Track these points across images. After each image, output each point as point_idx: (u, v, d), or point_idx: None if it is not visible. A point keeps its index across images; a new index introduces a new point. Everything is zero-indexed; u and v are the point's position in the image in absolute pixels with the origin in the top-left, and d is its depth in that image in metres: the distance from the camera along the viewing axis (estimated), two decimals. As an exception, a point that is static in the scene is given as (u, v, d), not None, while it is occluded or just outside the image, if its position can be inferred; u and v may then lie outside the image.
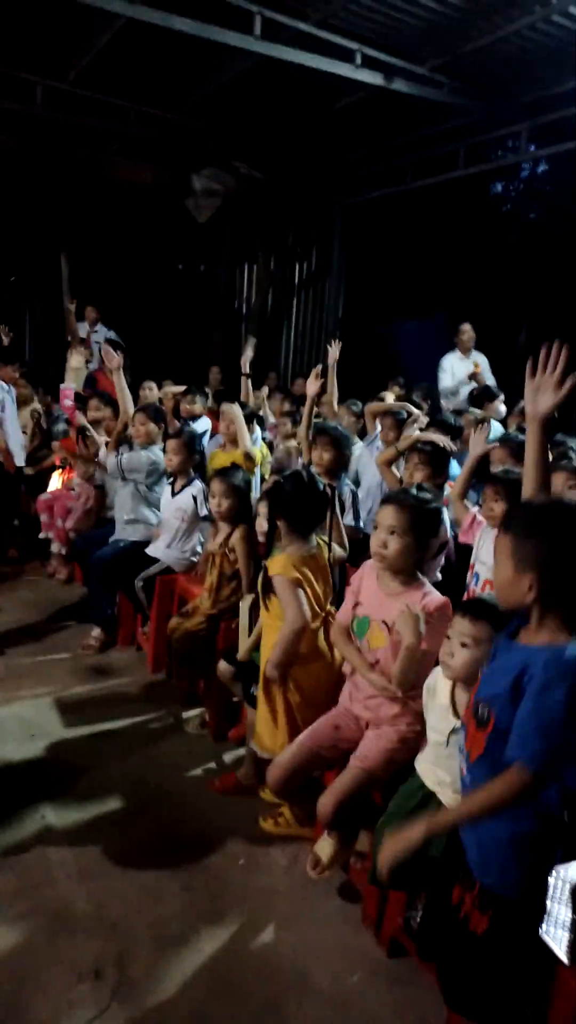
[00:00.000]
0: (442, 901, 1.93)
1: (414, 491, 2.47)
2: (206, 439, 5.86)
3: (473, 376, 7.02)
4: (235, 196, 9.74)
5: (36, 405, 6.67)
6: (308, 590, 2.73)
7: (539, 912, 1.78)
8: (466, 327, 7.32)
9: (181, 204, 9.72)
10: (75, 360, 6.80)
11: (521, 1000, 1.78)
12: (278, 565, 2.74)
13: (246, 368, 4.79)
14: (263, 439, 5.94)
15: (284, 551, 2.80)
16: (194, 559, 4.17)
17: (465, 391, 7.00)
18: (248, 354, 4.77)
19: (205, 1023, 2.10)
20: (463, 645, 2.04)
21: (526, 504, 1.80)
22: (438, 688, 2.15)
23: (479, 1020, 1.82)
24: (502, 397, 6.29)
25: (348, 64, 6.41)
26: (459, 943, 1.82)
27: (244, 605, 3.18)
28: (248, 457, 4.55)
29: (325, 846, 2.52)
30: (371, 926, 2.42)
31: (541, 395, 1.91)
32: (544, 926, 1.81)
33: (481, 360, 7.30)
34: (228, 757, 3.40)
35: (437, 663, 2.18)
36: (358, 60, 6.41)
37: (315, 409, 5.29)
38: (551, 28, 5.87)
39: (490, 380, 7.06)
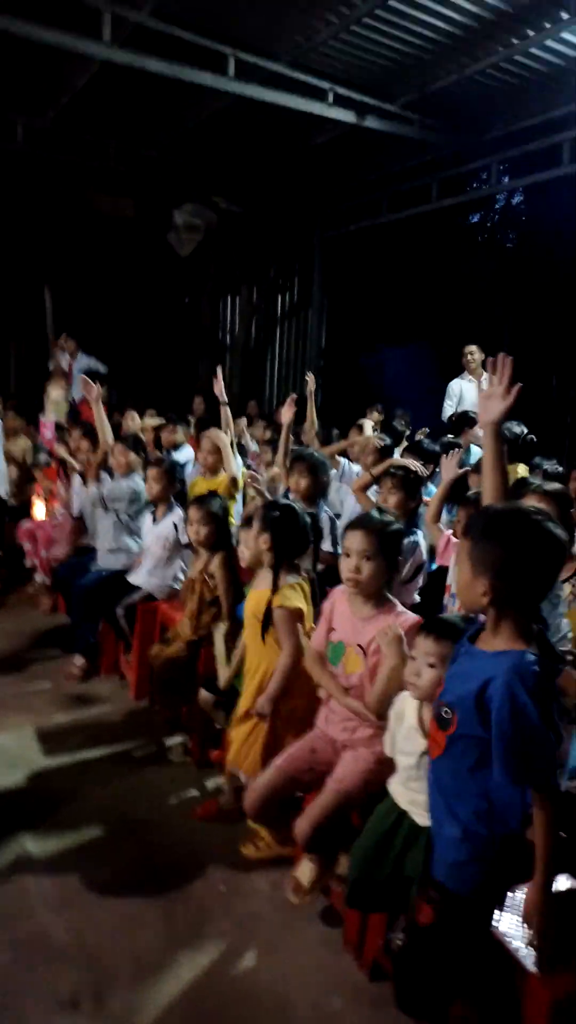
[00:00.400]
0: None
1: (376, 514, 2.52)
2: (188, 468, 5.93)
3: None
4: (216, 230, 9.94)
5: (26, 439, 6.71)
6: (304, 621, 2.77)
7: (486, 911, 1.80)
8: (472, 348, 6.97)
9: (163, 238, 9.90)
10: (55, 392, 6.86)
11: (466, 996, 1.79)
12: (281, 596, 2.76)
13: (223, 397, 4.87)
14: (245, 466, 6.00)
15: (283, 581, 2.82)
16: (176, 586, 4.19)
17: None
18: (219, 384, 4.85)
19: (184, 1052, 2.09)
20: (430, 665, 2.08)
21: (485, 509, 1.85)
22: (405, 711, 2.19)
23: (422, 1019, 1.83)
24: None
25: (321, 102, 6.61)
26: (408, 939, 1.84)
27: (219, 634, 3.20)
28: (234, 482, 4.60)
29: (305, 870, 2.53)
30: (352, 950, 2.42)
31: (491, 403, 2.05)
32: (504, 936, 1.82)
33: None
34: (211, 784, 3.39)
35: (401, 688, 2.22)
36: (330, 98, 6.61)
37: (292, 437, 5.38)
38: (514, 67, 6.10)
39: None
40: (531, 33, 5.61)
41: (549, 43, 5.66)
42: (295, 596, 2.78)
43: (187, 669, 3.51)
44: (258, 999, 2.26)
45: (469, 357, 6.89)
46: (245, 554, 3.30)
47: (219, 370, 5.06)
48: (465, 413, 6.34)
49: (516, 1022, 1.77)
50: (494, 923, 1.84)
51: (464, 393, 6.95)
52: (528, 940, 1.71)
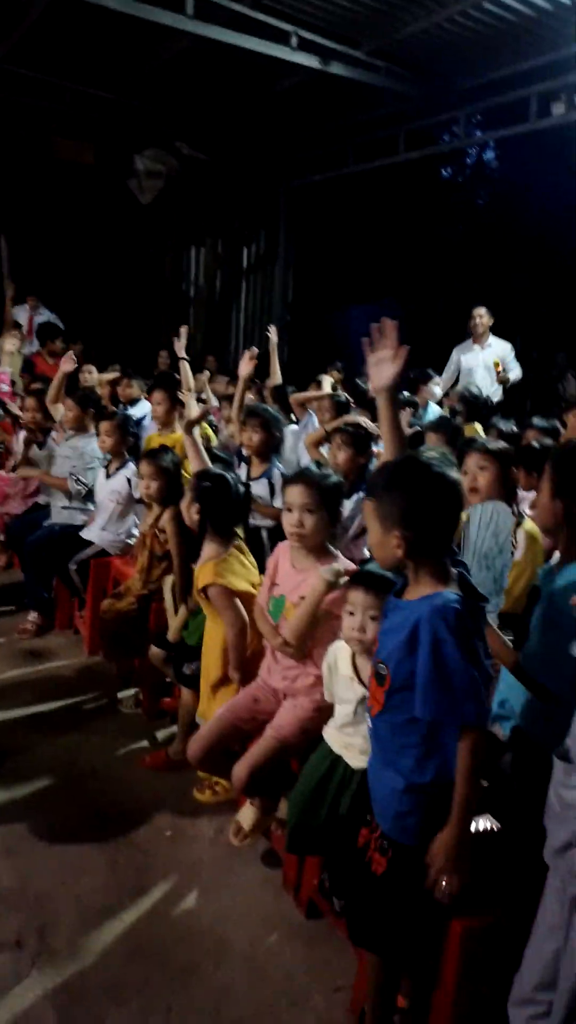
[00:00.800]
0: (348, 843, 2.01)
1: (314, 468, 2.55)
2: (147, 422, 5.87)
3: (497, 375, 6.38)
4: (179, 177, 9.68)
5: None
6: (239, 588, 2.80)
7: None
8: (480, 311, 6.50)
9: (124, 185, 9.62)
10: (9, 344, 6.70)
11: (416, 935, 1.87)
12: (207, 575, 2.78)
13: (181, 352, 4.82)
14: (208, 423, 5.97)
15: (214, 554, 2.85)
16: (129, 541, 4.19)
17: (483, 382, 6.38)
18: (180, 342, 4.81)
19: (122, 988, 2.16)
20: (373, 619, 2.12)
21: (382, 467, 1.90)
22: (339, 662, 2.23)
23: (378, 952, 1.91)
24: (437, 379, 6.39)
25: (284, 46, 6.42)
26: (361, 883, 1.91)
27: (167, 587, 3.22)
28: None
29: (247, 814, 2.59)
30: (290, 890, 2.51)
31: (382, 368, 2.06)
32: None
33: (500, 349, 6.53)
34: (161, 734, 3.45)
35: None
36: (294, 42, 6.43)
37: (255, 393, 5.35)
38: (483, 16, 5.96)
39: (514, 372, 6.47)
40: (499, -21, 5.49)
41: (517, -9, 5.54)
42: (227, 571, 2.80)
43: (138, 623, 3.54)
44: (198, 938, 2.34)
45: (477, 320, 6.51)
46: (193, 514, 3.31)
47: (182, 329, 5.01)
48: (422, 370, 6.33)
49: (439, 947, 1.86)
50: None
51: (463, 363, 6.67)
52: (431, 881, 1.75)
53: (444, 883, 1.71)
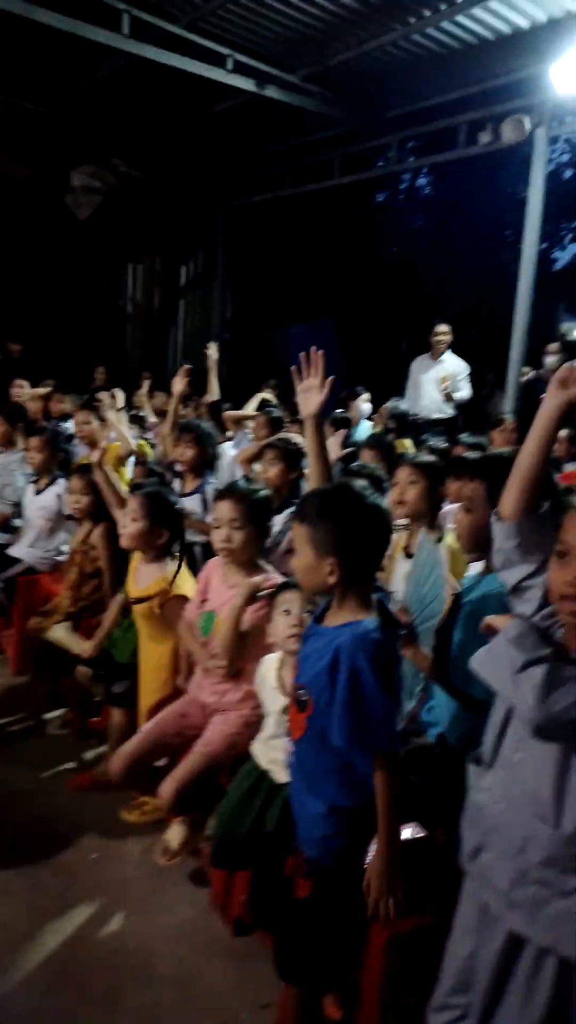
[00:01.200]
0: (273, 870, 2.01)
1: (243, 483, 2.56)
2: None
3: (444, 390, 6.46)
4: (117, 194, 9.65)
5: None
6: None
7: (356, 881, 1.87)
8: (441, 328, 6.65)
9: (60, 201, 9.54)
10: None
11: (341, 963, 1.87)
12: (164, 587, 2.80)
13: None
14: (144, 439, 5.92)
15: (152, 572, 2.88)
16: (59, 559, 4.11)
17: (429, 397, 6.54)
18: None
19: (44, 1016, 2.10)
20: (286, 612, 2.16)
21: (314, 492, 1.91)
22: (267, 674, 2.25)
23: (304, 986, 1.91)
24: (366, 396, 6.50)
25: (220, 69, 6.50)
26: (286, 910, 1.90)
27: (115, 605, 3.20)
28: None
29: (174, 833, 2.56)
30: (218, 908, 2.48)
31: (309, 396, 2.15)
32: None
33: (452, 367, 6.63)
34: (89, 755, 3.37)
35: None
36: (230, 65, 6.51)
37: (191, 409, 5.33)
38: (412, 46, 6.15)
39: (463, 391, 6.57)
40: (428, 13, 5.68)
41: (445, 25, 5.74)
42: (184, 583, 2.82)
43: (67, 641, 3.47)
44: (123, 960, 2.30)
45: (441, 337, 6.62)
46: (129, 528, 3.27)
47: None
48: (352, 388, 6.41)
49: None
50: None
51: (416, 375, 6.75)
52: (372, 907, 1.75)
53: (382, 908, 1.73)
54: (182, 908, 2.51)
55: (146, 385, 6.87)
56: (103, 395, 4.29)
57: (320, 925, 1.83)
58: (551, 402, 1.56)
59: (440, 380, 6.50)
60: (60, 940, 2.35)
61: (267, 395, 5.94)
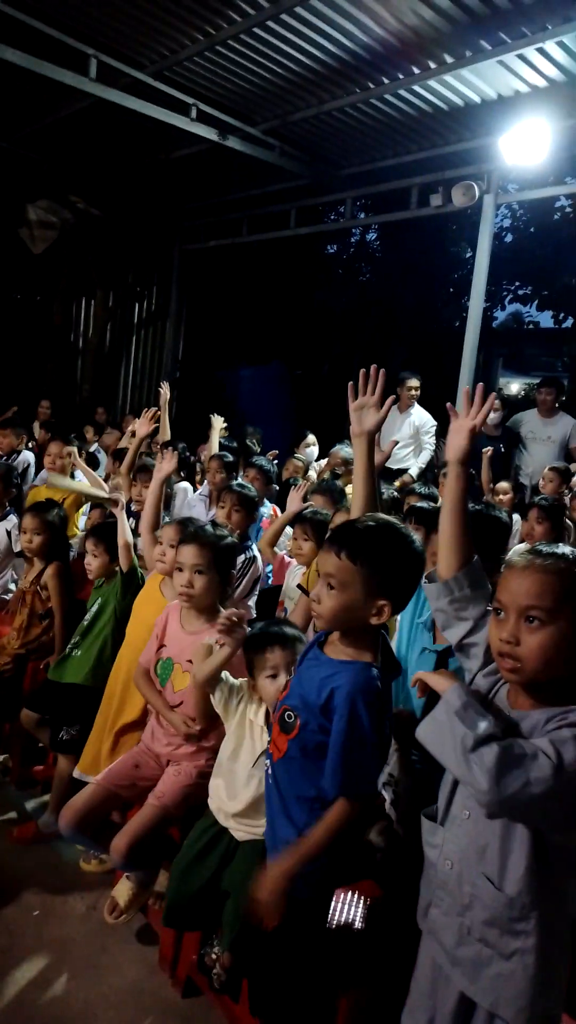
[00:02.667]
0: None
1: (210, 528, 2.55)
2: (30, 474, 5.70)
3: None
4: (73, 230, 9.66)
5: None
6: None
7: (322, 912, 1.85)
8: (411, 382, 6.57)
9: (15, 233, 9.49)
10: None
11: (311, 998, 1.83)
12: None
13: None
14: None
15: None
16: (6, 597, 4.01)
17: (401, 452, 6.44)
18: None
19: None
20: (272, 676, 2.12)
21: (366, 530, 1.76)
22: (256, 719, 2.21)
23: (274, 1021, 1.86)
24: (312, 439, 6.59)
25: (183, 116, 6.63)
26: (256, 944, 1.87)
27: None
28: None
29: (123, 889, 2.48)
30: (167, 967, 2.41)
31: (365, 414, 2.09)
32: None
33: (419, 419, 6.54)
34: (31, 805, 3.26)
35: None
36: (193, 114, 6.66)
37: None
38: (370, 110, 6.42)
39: (427, 448, 6.51)
40: (385, 81, 5.95)
41: (401, 93, 6.01)
42: None
43: (11, 685, 3.37)
44: (66, 1026, 2.20)
45: (412, 392, 6.56)
46: (92, 564, 3.23)
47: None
48: (301, 431, 6.48)
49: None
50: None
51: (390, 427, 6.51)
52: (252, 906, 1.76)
53: (259, 910, 1.73)
54: (129, 968, 2.42)
55: (96, 422, 6.79)
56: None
57: (285, 957, 1.80)
58: (449, 468, 1.71)
59: (408, 432, 6.54)
60: (1, 1006, 2.23)
61: (222, 425, 5.96)
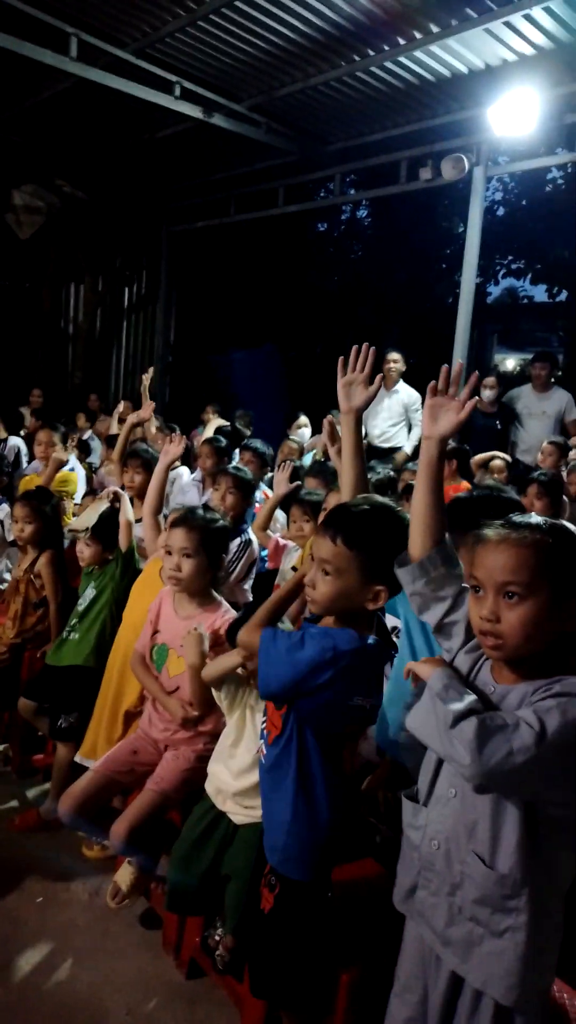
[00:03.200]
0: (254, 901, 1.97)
1: (201, 512, 2.53)
2: (24, 462, 5.67)
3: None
4: (59, 214, 9.56)
5: None
6: None
7: (318, 894, 1.85)
8: (392, 356, 6.53)
9: (1, 219, 9.39)
10: None
11: (312, 978, 1.84)
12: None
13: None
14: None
15: None
16: (1, 586, 3.99)
17: (381, 428, 6.51)
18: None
19: (-13, 1075, 2.00)
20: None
21: (360, 514, 1.74)
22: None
23: (277, 1003, 1.88)
24: (304, 421, 6.55)
25: (167, 95, 6.52)
26: (255, 925, 1.88)
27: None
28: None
29: (125, 874, 2.48)
30: (171, 950, 2.42)
31: (353, 391, 2.01)
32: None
33: (407, 398, 6.52)
34: (32, 793, 3.26)
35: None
36: (177, 92, 6.55)
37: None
38: (356, 83, 6.31)
39: (416, 424, 6.43)
40: (371, 53, 5.84)
41: (387, 65, 5.91)
42: None
43: (8, 674, 3.36)
44: (71, 1010, 2.21)
45: (391, 365, 6.52)
46: (85, 552, 3.21)
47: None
48: (293, 413, 6.45)
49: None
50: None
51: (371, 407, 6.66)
52: None
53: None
54: (133, 952, 2.43)
55: (90, 409, 6.76)
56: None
57: (284, 939, 1.81)
58: (426, 444, 1.64)
59: (397, 410, 6.49)
60: (4, 990, 2.24)
61: (220, 421, 5.92)
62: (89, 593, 3.16)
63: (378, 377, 2.06)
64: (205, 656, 2.27)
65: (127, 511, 3.09)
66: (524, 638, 1.39)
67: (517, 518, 1.46)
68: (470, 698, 1.40)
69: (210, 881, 2.14)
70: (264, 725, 1.87)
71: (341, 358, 2.04)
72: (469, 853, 1.45)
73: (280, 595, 1.87)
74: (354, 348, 2.05)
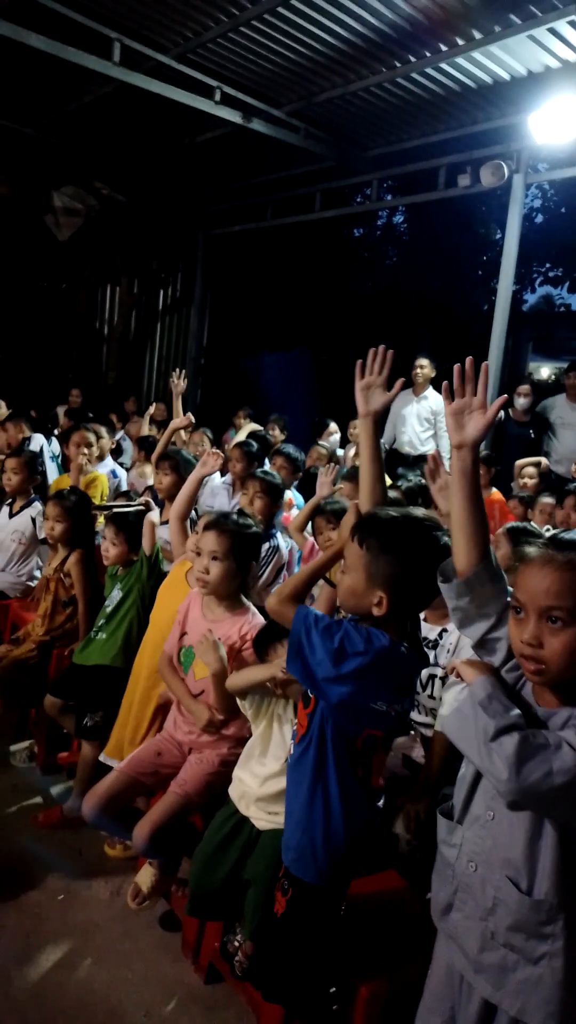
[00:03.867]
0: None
1: (235, 517, 2.53)
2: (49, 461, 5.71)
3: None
4: (98, 217, 9.67)
5: None
6: None
7: (337, 897, 1.84)
8: (421, 362, 6.52)
9: (40, 220, 9.52)
10: None
11: (324, 983, 1.83)
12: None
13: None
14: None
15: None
16: (31, 584, 4.04)
17: (410, 434, 6.52)
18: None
19: (6, 1070, 2.01)
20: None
21: (382, 518, 1.73)
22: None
23: (287, 1008, 1.86)
24: (334, 427, 6.53)
25: (207, 100, 6.56)
26: (267, 928, 1.88)
27: None
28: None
29: (146, 875, 2.49)
30: (189, 954, 2.41)
31: (371, 394, 1.98)
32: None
33: (436, 404, 6.43)
34: (56, 790, 3.28)
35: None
36: (217, 97, 6.59)
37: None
38: (396, 90, 6.30)
39: (441, 424, 6.39)
40: (412, 59, 5.82)
41: (429, 71, 5.89)
42: None
43: (36, 671, 3.39)
44: (89, 1010, 2.21)
45: (418, 371, 6.53)
46: (110, 552, 3.23)
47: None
48: (320, 419, 6.43)
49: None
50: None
51: (396, 409, 6.54)
52: None
53: None
54: (152, 954, 2.44)
55: (128, 410, 6.82)
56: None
57: (295, 943, 1.80)
58: (457, 454, 1.57)
59: (425, 416, 6.45)
60: (24, 987, 2.26)
61: (254, 425, 5.92)
62: (116, 595, 3.18)
63: (399, 381, 2.02)
64: (223, 660, 2.27)
65: (153, 514, 3.11)
66: (568, 664, 1.34)
67: (565, 535, 1.42)
68: (514, 712, 1.36)
69: (231, 886, 2.13)
70: (295, 726, 1.86)
71: (359, 361, 2.00)
72: (503, 878, 1.42)
73: (314, 566, 1.85)
74: (371, 351, 2.01)
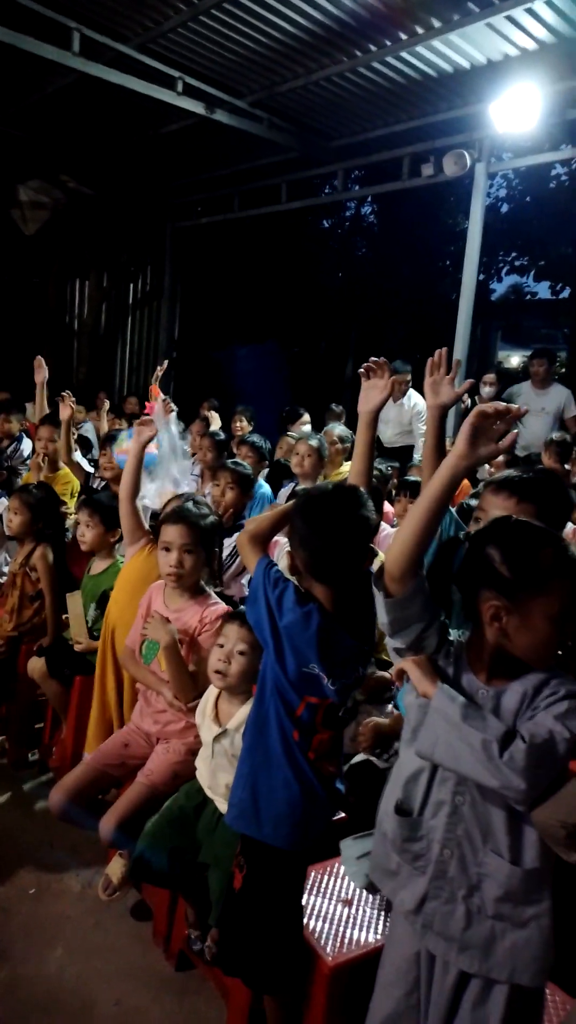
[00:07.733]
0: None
1: (191, 507, 2.54)
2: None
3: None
4: (65, 210, 9.57)
5: None
6: None
7: (294, 869, 1.87)
8: (402, 376, 6.34)
9: (7, 215, 9.40)
10: None
11: (283, 957, 1.85)
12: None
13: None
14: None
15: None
16: (1, 580, 4.00)
17: (397, 439, 6.53)
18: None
19: (-25, 1064, 2.01)
20: (241, 653, 2.12)
21: (316, 492, 1.86)
22: (206, 703, 2.22)
23: (248, 981, 1.89)
24: (306, 418, 6.55)
25: (170, 91, 6.51)
26: (228, 905, 1.93)
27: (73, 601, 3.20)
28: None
29: (116, 866, 2.48)
30: (160, 942, 2.43)
31: (371, 393, 2.23)
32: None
33: (419, 406, 6.35)
34: (28, 786, 3.28)
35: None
36: (180, 88, 6.54)
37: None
38: (358, 79, 6.29)
39: (419, 428, 6.35)
40: (373, 48, 5.82)
41: (390, 60, 5.89)
42: None
43: (6, 667, 3.38)
44: (60, 1003, 2.22)
45: (401, 380, 6.33)
46: (86, 535, 3.21)
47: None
48: (293, 408, 6.44)
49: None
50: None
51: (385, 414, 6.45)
52: None
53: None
54: (123, 944, 2.45)
55: (98, 406, 6.78)
56: None
57: (253, 914, 1.83)
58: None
59: (405, 420, 6.50)
60: (-6, 983, 2.26)
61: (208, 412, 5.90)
62: (93, 613, 3.16)
63: (391, 381, 2.26)
64: (173, 634, 2.32)
65: None
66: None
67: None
68: (494, 720, 1.40)
69: (181, 858, 2.13)
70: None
71: (365, 366, 2.26)
72: (488, 854, 1.46)
73: (281, 511, 1.98)
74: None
